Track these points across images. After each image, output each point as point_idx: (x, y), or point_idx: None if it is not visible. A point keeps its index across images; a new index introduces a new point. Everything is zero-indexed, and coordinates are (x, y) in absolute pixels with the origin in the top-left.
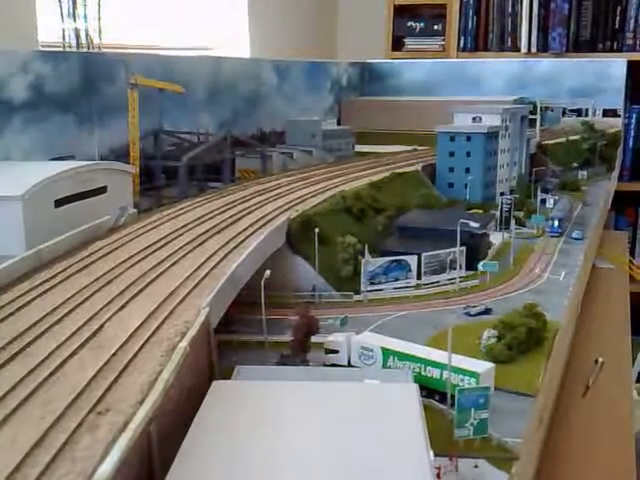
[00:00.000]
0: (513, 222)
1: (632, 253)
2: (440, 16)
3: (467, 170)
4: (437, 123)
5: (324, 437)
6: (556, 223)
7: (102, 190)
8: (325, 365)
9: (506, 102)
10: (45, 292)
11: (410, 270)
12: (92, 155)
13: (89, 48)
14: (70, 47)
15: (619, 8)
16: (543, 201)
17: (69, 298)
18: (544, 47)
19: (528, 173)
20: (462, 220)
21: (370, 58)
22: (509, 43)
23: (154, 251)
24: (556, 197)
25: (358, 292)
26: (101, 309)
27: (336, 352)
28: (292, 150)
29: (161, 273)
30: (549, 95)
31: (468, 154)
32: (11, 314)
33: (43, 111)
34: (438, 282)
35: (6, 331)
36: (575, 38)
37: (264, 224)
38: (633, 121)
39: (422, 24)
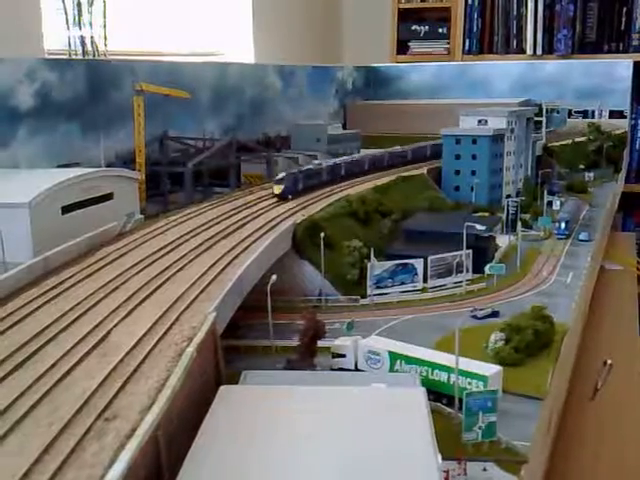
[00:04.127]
0: (519, 224)
1: None
2: (445, 19)
3: (473, 173)
4: (443, 126)
5: (332, 441)
6: (563, 225)
7: (108, 197)
8: (332, 369)
9: (512, 104)
10: (53, 299)
11: (416, 273)
12: (98, 162)
13: (95, 55)
14: (76, 54)
15: (625, 9)
16: (550, 203)
17: (76, 305)
18: (550, 49)
19: (534, 175)
20: (468, 223)
21: (375, 62)
22: (514, 45)
23: (161, 257)
24: (563, 199)
25: (364, 296)
26: (108, 315)
27: (343, 356)
28: (297, 155)
29: (168, 279)
30: (555, 97)
31: (474, 157)
32: (19, 321)
33: (49, 119)
34: (445, 285)
35: (14, 338)
36: (581, 39)
37: (270, 229)
38: None
39: (427, 28)
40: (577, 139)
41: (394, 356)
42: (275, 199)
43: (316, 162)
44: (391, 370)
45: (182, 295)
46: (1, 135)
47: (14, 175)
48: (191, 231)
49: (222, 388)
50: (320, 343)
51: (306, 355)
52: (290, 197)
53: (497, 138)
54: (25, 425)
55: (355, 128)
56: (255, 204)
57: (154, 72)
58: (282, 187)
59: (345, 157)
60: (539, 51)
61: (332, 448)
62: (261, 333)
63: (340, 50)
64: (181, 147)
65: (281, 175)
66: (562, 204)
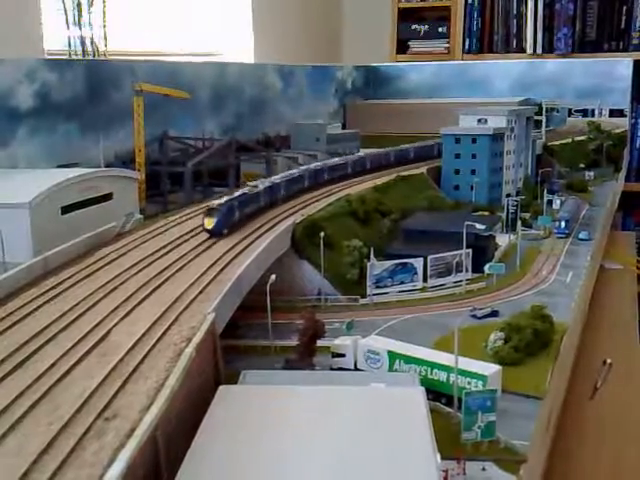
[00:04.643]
0: (519, 224)
1: None
2: (444, 18)
3: (473, 172)
4: (443, 125)
5: (331, 441)
6: (563, 224)
7: (108, 197)
8: (331, 369)
9: (512, 103)
10: (52, 299)
11: (416, 273)
12: (97, 162)
13: (95, 55)
14: (76, 54)
15: (625, 8)
16: (550, 202)
17: (76, 305)
18: (550, 48)
19: (534, 174)
20: (468, 222)
21: (375, 61)
22: (514, 44)
23: (160, 257)
24: (563, 198)
25: (364, 296)
26: (107, 315)
27: (342, 356)
28: (297, 154)
29: (167, 279)
30: (555, 96)
31: (474, 156)
32: (18, 321)
33: (49, 119)
34: (444, 285)
35: (14, 338)
36: (581, 38)
37: (269, 228)
38: None
39: (426, 27)
40: (577, 138)
41: (393, 356)
42: None
43: (251, 184)
44: (390, 370)
45: (181, 295)
46: (1, 135)
47: (14, 175)
48: (190, 231)
49: (221, 388)
50: (320, 343)
51: (305, 355)
52: (225, 232)
53: (497, 137)
54: (25, 425)
55: (355, 128)
56: None
57: (154, 72)
58: (214, 220)
59: (283, 174)
60: (539, 50)
61: (331, 448)
62: (260, 333)
63: (340, 50)
64: (181, 147)
65: (213, 204)
66: (562, 203)
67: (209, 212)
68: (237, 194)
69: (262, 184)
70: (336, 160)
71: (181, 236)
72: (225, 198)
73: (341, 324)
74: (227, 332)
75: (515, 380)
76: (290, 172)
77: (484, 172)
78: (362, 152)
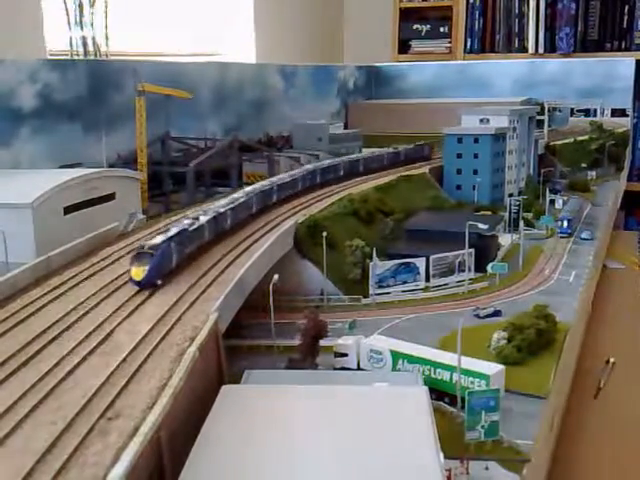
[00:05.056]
0: (522, 223)
1: None
2: (446, 18)
3: (475, 172)
4: (445, 125)
5: (334, 441)
6: (565, 224)
7: (110, 197)
8: (334, 368)
9: (514, 103)
10: (55, 298)
11: (418, 273)
12: (100, 162)
13: (96, 56)
14: (78, 55)
15: (627, 7)
16: (552, 202)
17: (79, 304)
18: (552, 47)
19: (537, 174)
20: (470, 222)
21: (377, 61)
22: (516, 44)
23: None
24: (565, 198)
25: (366, 295)
26: (110, 315)
27: (345, 355)
28: (299, 154)
29: (169, 279)
30: (557, 96)
31: (476, 156)
32: (22, 321)
33: (51, 119)
34: (447, 284)
35: (17, 338)
36: (583, 38)
37: (271, 228)
38: None
39: (428, 27)
40: (579, 138)
41: (396, 355)
42: None
43: (192, 215)
44: (393, 369)
45: (184, 295)
46: (4, 136)
47: (17, 176)
48: None
49: (224, 387)
50: (322, 342)
51: (308, 354)
52: (159, 282)
53: (499, 137)
54: (29, 424)
55: (357, 127)
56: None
57: (155, 72)
58: (145, 269)
59: (228, 200)
60: (541, 50)
61: (334, 447)
62: (263, 332)
63: (341, 50)
64: (183, 147)
65: (143, 246)
66: (564, 203)
67: (137, 258)
68: (175, 230)
69: (205, 215)
70: (284, 177)
71: None
72: (160, 238)
73: (344, 324)
74: (230, 332)
75: (518, 380)
76: (234, 196)
77: (486, 172)
78: (311, 165)
